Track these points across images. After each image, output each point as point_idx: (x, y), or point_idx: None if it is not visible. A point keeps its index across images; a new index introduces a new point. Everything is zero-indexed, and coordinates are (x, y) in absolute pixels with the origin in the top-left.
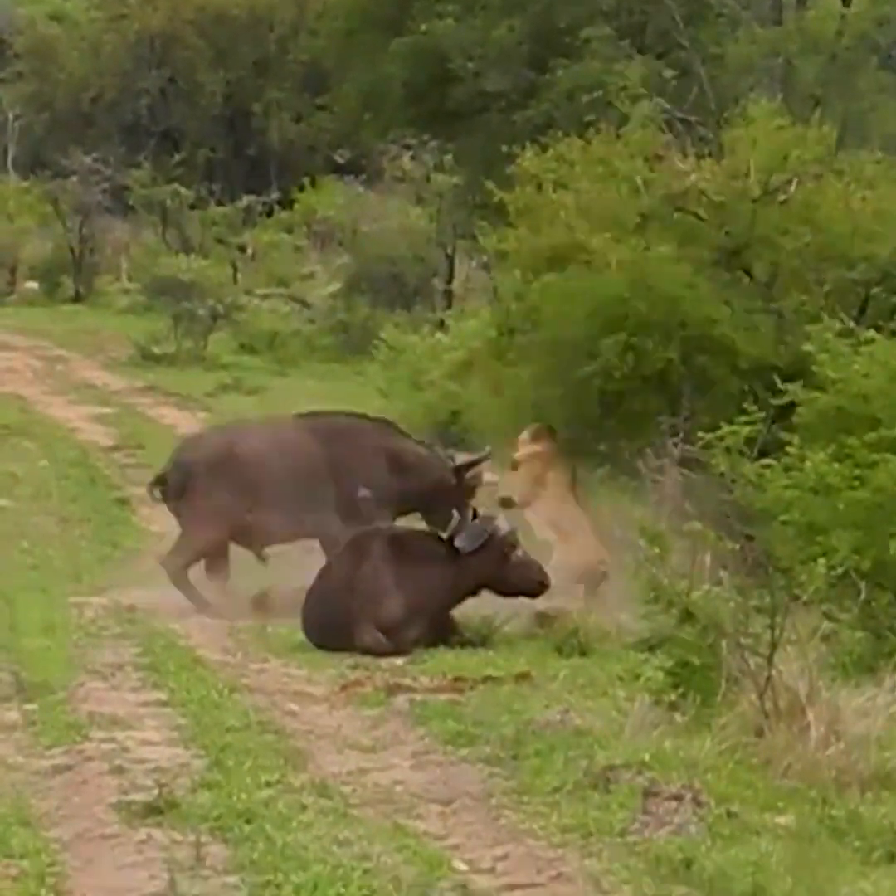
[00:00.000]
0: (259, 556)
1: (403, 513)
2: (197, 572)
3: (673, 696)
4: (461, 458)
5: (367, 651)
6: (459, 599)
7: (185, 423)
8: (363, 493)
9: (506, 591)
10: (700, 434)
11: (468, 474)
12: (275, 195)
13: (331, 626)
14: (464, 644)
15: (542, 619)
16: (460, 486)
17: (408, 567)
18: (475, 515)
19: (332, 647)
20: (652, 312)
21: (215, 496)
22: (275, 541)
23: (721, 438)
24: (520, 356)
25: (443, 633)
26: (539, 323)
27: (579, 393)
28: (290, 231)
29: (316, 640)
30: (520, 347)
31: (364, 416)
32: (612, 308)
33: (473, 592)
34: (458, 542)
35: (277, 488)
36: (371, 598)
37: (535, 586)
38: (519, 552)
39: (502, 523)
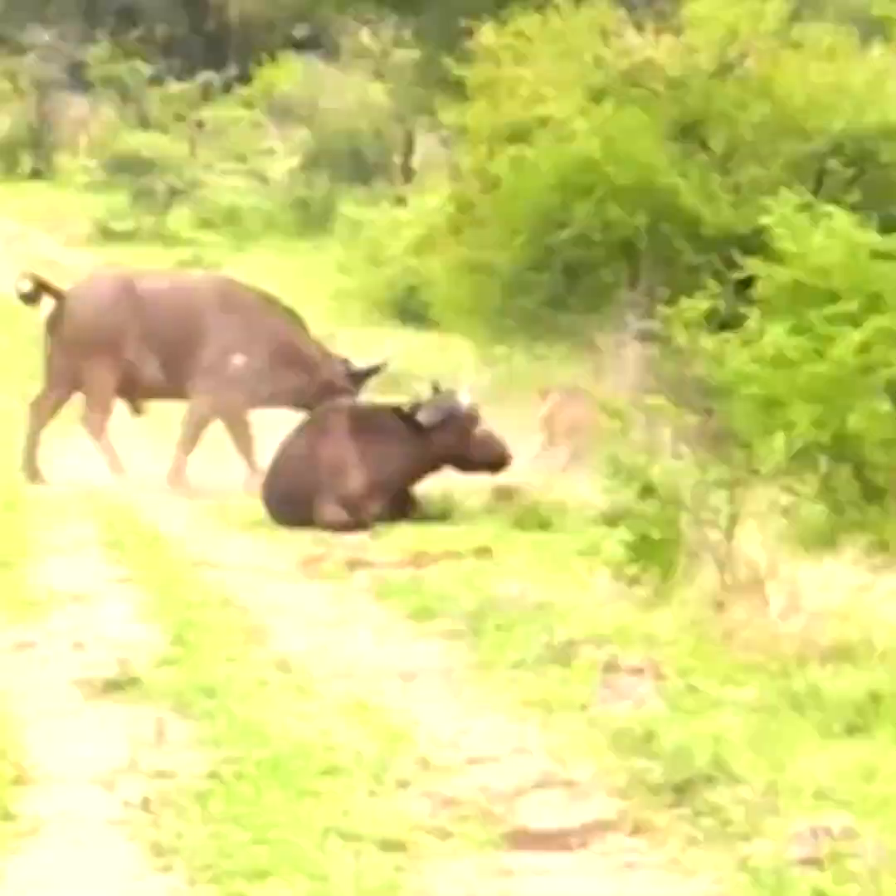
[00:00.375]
0: (136, 410)
1: (294, 407)
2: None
3: (633, 571)
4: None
5: (327, 526)
6: (422, 475)
7: None
8: (237, 360)
9: (468, 466)
10: (660, 308)
11: (367, 381)
12: (233, 71)
13: (292, 500)
14: (424, 519)
15: (502, 493)
16: (355, 393)
17: (369, 442)
18: (436, 390)
19: (294, 522)
20: (620, 178)
21: (105, 332)
22: (152, 395)
23: (681, 312)
24: (479, 232)
25: (404, 508)
26: (500, 198)
27: (542, 265)
28: (249, 107)
29: (277, 514)
30: (480, 223)
31: (276, 303)
32: (580, 175)
33: (435, 468)
34: (420, 417)
35: (163, 335)
36: (333, 472)
37: (498, 460)
38: (481, 427)
39: (464, 398)
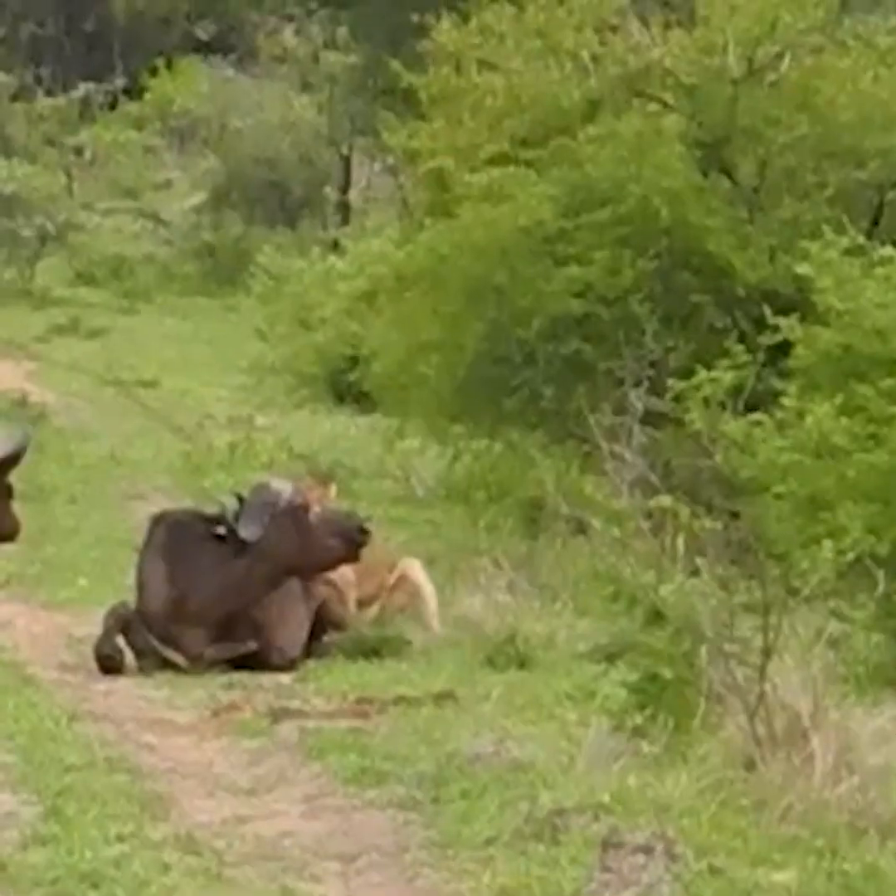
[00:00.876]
0: None
1: None
2: None
3: (638, 720)
4: None
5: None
6: (260, 594)
7: (9, 375)
8: None
9: (321, 563)
10: (670, 382)
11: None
12: (120, 82)
13: None
14: (369, 655)
15: (468, 622)
16: None
17: (186, 559)
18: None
19: None
20: (632, 212)
21: None
22: None
23: (698, 387)
24: (436, 289)
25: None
26: (465, 244)
27: (519, 324)
28: (140, 127)
29: None
30: (436, 276)
31: None
32: (577, 207)
33: (277, 583)
34: (242, 533)
35: None
36: (140, 587)
37: (356, 537)
38: (315, 511)
39: (282, 486)
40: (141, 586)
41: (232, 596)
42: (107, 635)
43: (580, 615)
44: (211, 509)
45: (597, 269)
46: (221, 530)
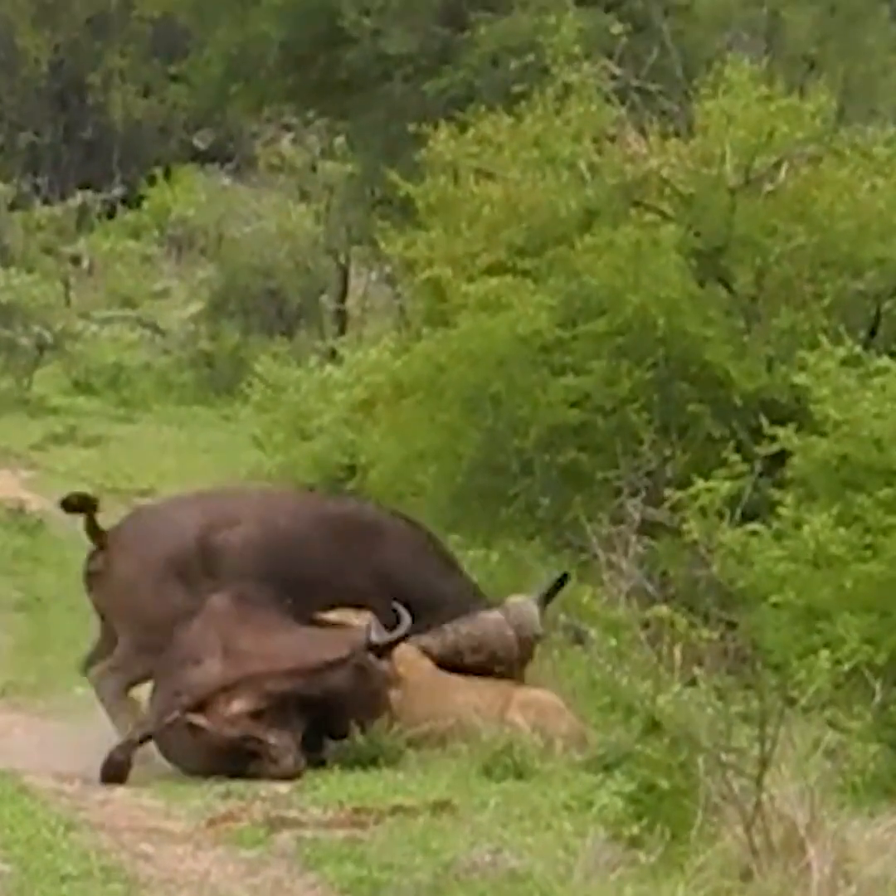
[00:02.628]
0: None
1: None
2: None
3: (635, 830)
4: None
5: (159, 714)
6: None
7: (6, 484)
8: None
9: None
10: (668, 492)
11: None
12: (118, 190)
13: None
14: (364, 764)
15: (464, 730)
16: None
17: (249, 630)
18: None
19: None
20: (630, 321)
21: None
22: None
23: (695, 497)
24: (433, 394)
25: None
26: (462, 354)
27: (513, 434)
28: (137, 236)
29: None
30: (434, 386)
31: None
32: (574, 317)
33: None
34: (374, 637)
35: None
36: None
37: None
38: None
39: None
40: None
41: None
42: (129, 744)
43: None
44: None
45: (594, 378)
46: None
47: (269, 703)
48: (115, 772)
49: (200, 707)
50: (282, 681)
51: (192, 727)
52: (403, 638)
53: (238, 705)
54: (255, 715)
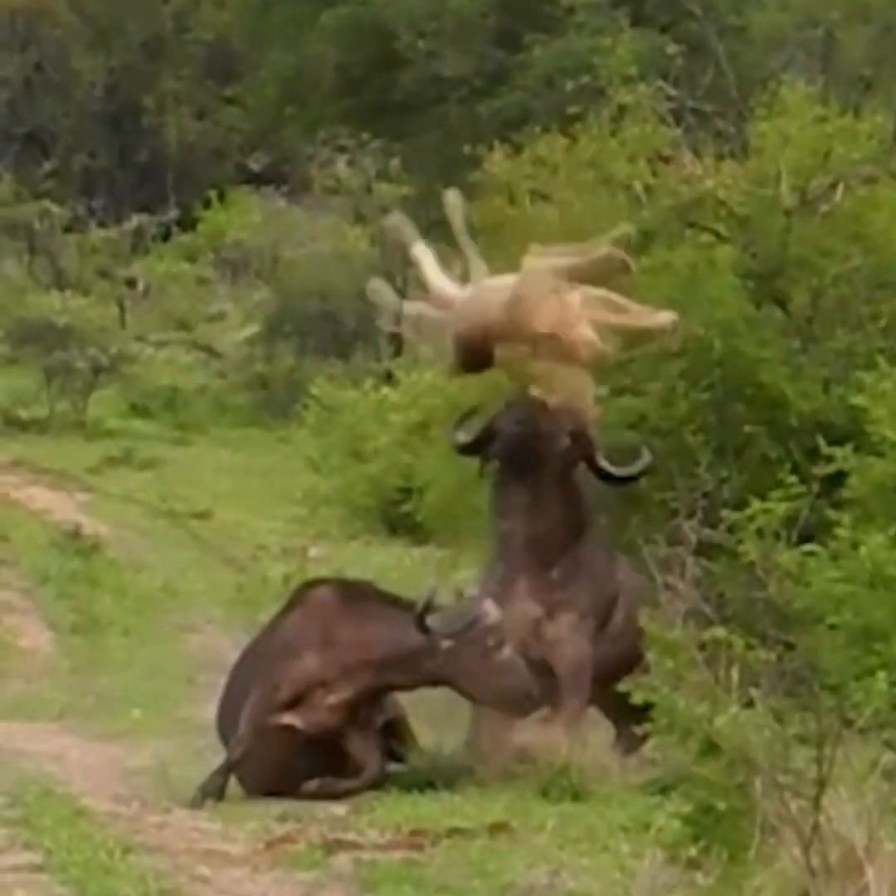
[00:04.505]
0: None
1: None
2: None
3: (693, 851)
4: None
5: (254, 720)
6: (409, 683)
7: (62, 507)
8: None
9: (476, 694)
10: (724, 513)
11: None
12: (172, 213)
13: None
14: (423, 786)
15: (523, 753)
16: None
17: (351, 618)
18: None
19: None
20: (687, 345)
21: None
22: None
23: (751, 518)
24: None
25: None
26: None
27: None
28: (192, 259)
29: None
30: (490, 406)
31: None
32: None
33: (432, 683)
34: (430, 621)
35: None
36: (286, 651)
37: (518, 700)
38: (506, 651)
39: (491, 609)
40: (285, 649)
41: (385, 672)
42: (219, 775)
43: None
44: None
45: (651, 400)
46: (420, 606)
47: (362, 695)
48: (215, 790)
49: (296, 704)
50: (377, 671)
51: (285, 728)
52: None
53: (334, 697)
54: (350, 707)
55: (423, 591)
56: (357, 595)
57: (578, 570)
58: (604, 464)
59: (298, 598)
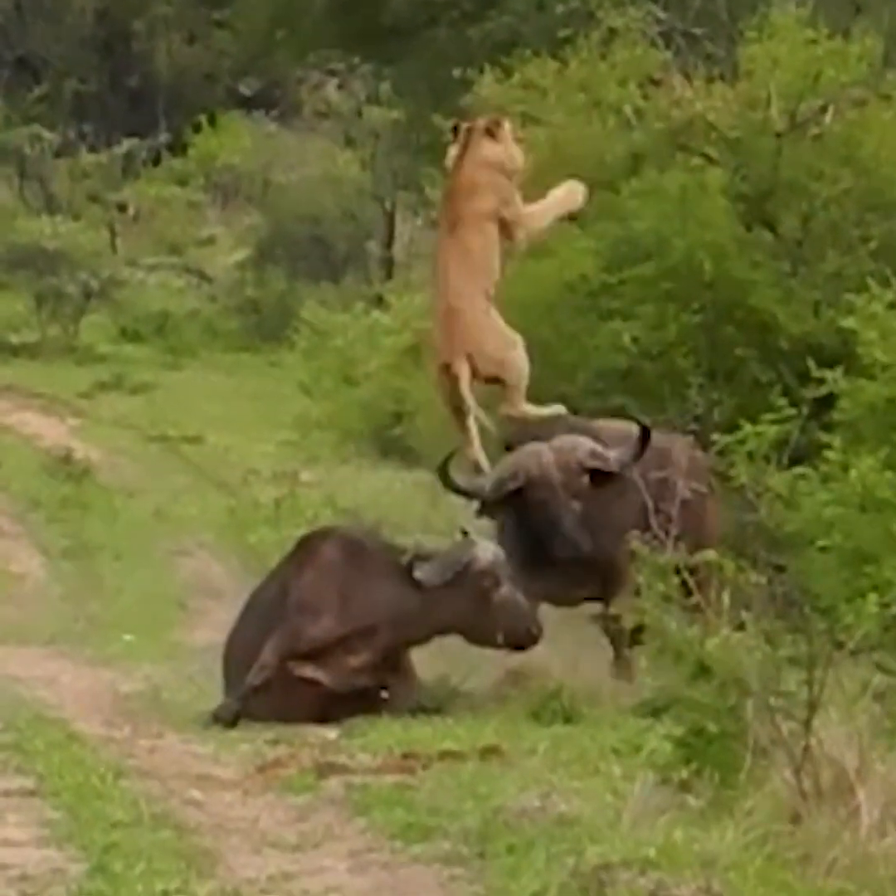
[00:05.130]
0: None
1: None
2: None
3: (684, 774)
4: None
5: (277, 657)
6: (420, 637)
7: (53, 432)
8: None
9: (480, 639)
10: (715, 436)
11: None
12: (163, 137)
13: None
14: (414, 709)
15: (514, 675)
16: None
17: (359, 578)
18: (465, 533)
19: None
20: (679, 266)
21: None
22: None
23: (742, 441)
24: None
25: (391, 676)
26: (506, 296)
27: (560, 380)
28: (183, 183)
29: (236, 686)
30: None
31: None
32: (621, 261)
33: (440, 633)
34: (418, 574)
35: None
36: (302, 609)
37: (522, 636)
38: (503, 591)
39: (484, 552)
40: (302, 607)
41: (398, 631)
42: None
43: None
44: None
45: (641, 323)
46: (405, 560)
47: (382, 656)
48: (228, 717)
49: (317, 659)
50: (390, 631)
51: (309, 681)
52: None
53: (356, 660)
54: (373, 668)
55: (407, 548)
56: (363, 551)
57: None
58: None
59: (307, 555)
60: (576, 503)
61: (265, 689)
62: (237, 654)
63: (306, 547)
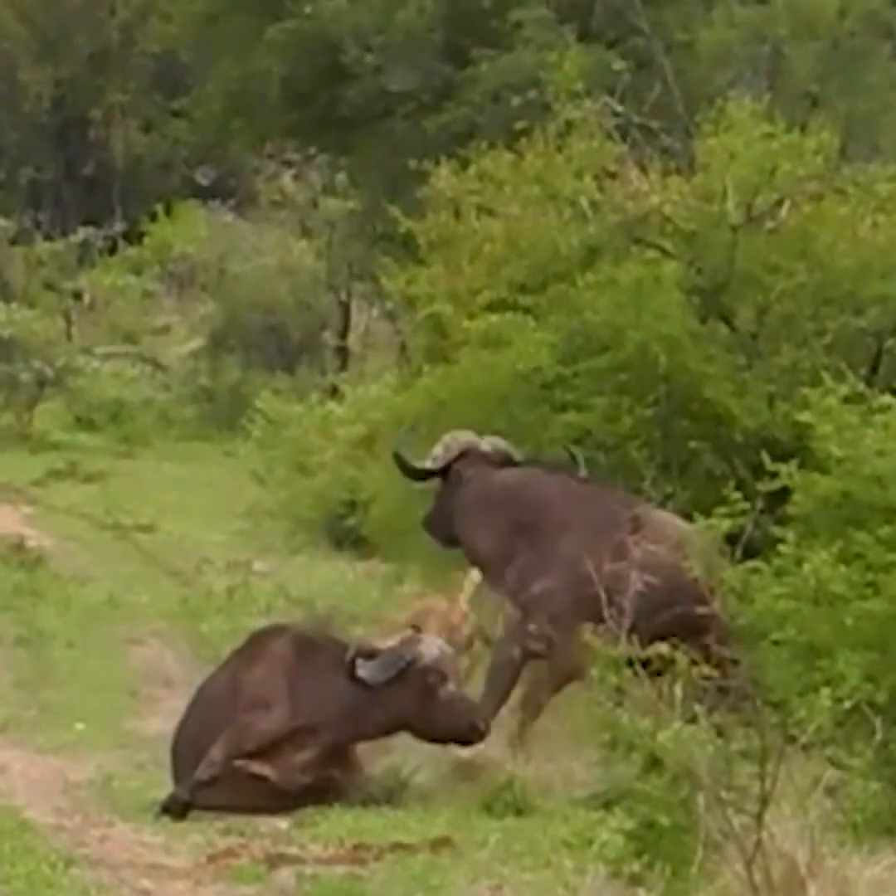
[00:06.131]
0: None
1: None
2: None
3: (636, 867)
4: None
5: (225, 754)
6: (367, 735)
7: (6, 520)
8: None
9: (428, 735)
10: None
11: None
12: (119, 226)
13: (203, 747)
14: (364, 801)
15: (464, 768)
16: None
17: (309, 674)
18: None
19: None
20: (632, 359)
21: None
22: None
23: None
24: (434, 430)
25: (337, 771)
26: (461, 387)
27: None
28: (138, 272)
29: (182, 777)
30: (435, 419)
31: None
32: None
33: (387, 731)
34: (360, 672)
35: None
36: (254, 704)
37: (467, 732)
38: (448, 687)
39: (428, 648)
40: (252, 703)
41: (345, 727)
42: (197, 784)
43: (577, 762)
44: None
45: (595, 415)
46: (348, 657)
47: (328, 752)
48: (177, 808)
49: (265, 754)
50: (336, 728)
51: (258, 777)
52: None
53: (303, 755)
54: (319, 765)
55: (350, 646)
56: (313, 647)
57: None
58: None
59: (258, 650)
60: None
61: (213, 784)
62: (185, 747)
63: (258, 642)
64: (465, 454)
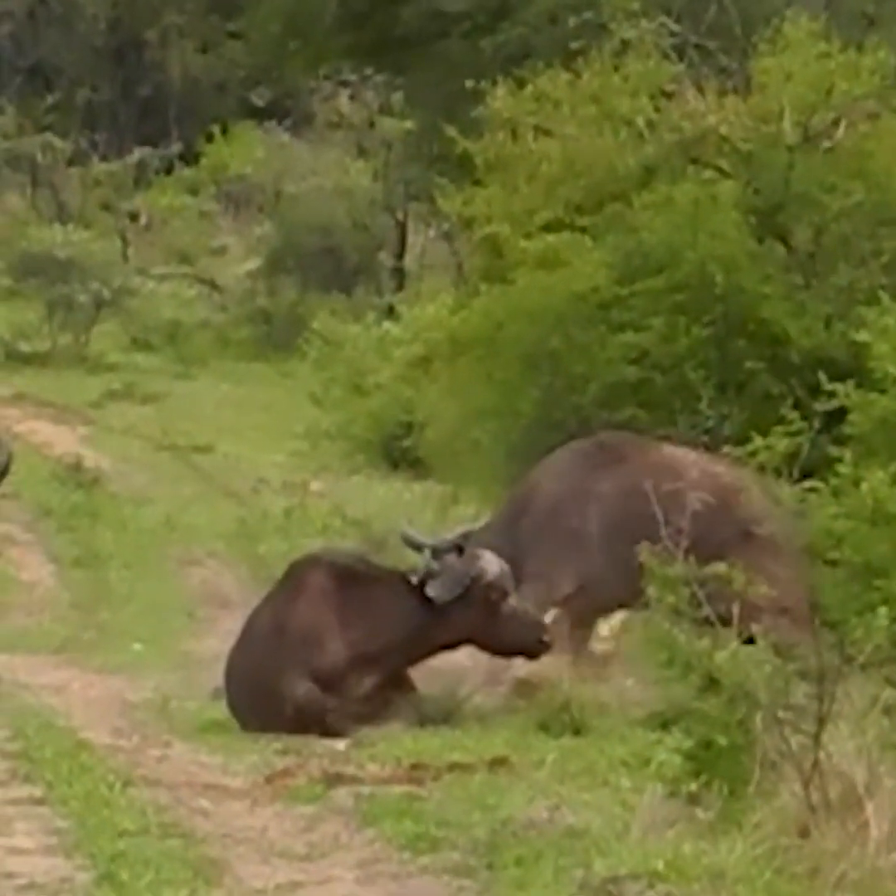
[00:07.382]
0: None
1: None
2: None
3: (693, 786)
4: None
5: (298, 710)
6: (430, 653)
7: (63, 440)
8: None
9: (493, 648)
10: (726, 449)
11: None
12: (175, 147)
13: (258, 688)
14: (423, 721)
15: (523, 687)
16: None
17: (356, 605)
18: (460, 551)
19: (261, 719)
20: (688, 281)
21: None
22: None
23: (753, 454)
24: (491, 351)
25: (395, 692)
26: (520, 310)
27: (570, 391)
28: (195, 193)
29: (239, 711)
30: (492, 342)
31: None
32: (631, 275)
33: (450, 646)
34: (430, 591)
35: None
36: (304, 642)
37: (532, 645)
38: (511, 602)
39: (490, 564)
40: (306, 639)
41: (411, 648)
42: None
43: (635, 681)
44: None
45: (652, 335)
46: (414, 579)
47: (392, 676)
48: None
49: (328, 688)
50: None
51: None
52: None
53: (367, 683)
54: (383, 688)
55: (419, 565)
56: (353, 576)
57: None
58: None
59: (296, 584)
60: None
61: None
62: (237, 682)
63: (295, 576)
64: None
